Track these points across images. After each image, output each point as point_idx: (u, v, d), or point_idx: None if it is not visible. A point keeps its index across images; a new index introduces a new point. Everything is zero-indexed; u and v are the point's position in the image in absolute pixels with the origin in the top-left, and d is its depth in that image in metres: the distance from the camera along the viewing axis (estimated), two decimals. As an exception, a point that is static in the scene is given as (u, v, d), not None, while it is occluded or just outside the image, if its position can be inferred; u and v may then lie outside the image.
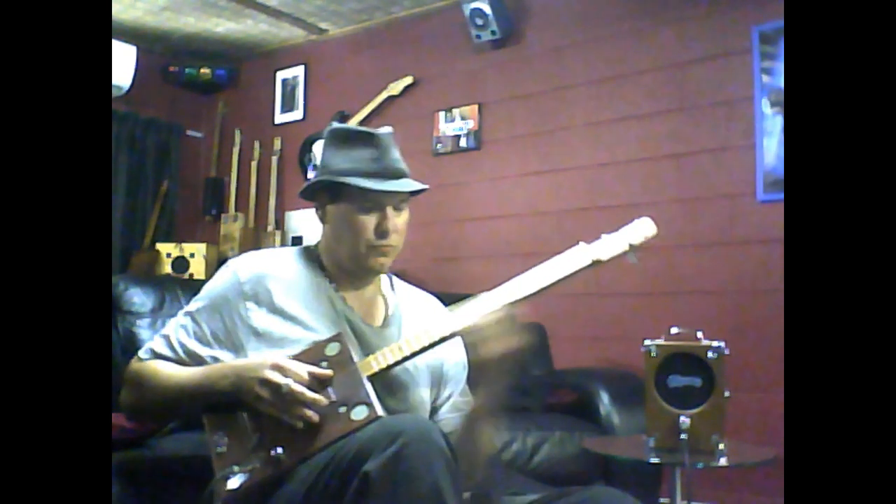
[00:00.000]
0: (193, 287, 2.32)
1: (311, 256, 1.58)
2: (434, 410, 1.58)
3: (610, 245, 1.47)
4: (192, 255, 4.61)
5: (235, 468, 1.32)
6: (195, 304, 1.53)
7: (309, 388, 1.33)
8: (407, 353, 1.42)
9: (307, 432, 1.32)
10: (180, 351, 1.49)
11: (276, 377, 1.33)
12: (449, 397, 1.60)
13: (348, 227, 1.49)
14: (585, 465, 2.63)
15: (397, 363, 1.43)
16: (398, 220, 1.51)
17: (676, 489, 2.14)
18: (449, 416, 1.57)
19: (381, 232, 1.48)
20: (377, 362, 1.42)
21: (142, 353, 1.53)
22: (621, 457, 2.26)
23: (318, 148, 4.70)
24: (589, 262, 1.45)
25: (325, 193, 1.54)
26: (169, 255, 4.62)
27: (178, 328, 1.52)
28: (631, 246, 1.48)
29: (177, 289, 2.35)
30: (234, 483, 1.31)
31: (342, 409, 1.32)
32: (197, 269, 4.58)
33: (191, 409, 1.48)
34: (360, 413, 1.31)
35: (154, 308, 2.24)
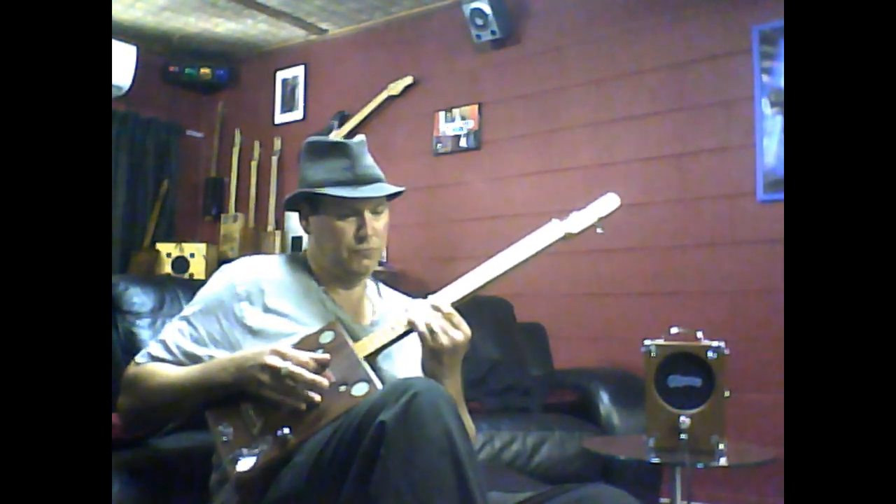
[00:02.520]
0: (193, 287, 2.31)
1: (300, 262, 1.65)
2: None
3: (579, 219, 1.56)
4: (192, 255, 4.61)
5: (244, 450, 1.34)
6: (190, 309, 1.57)
7: (309, 370, 1.36)
8: (400, 332, 1.48)
9: (311, 413, 1.35)
10: (178, 353, 1.52)
11: (276, 361, 1.36)
12: None
13: (329, 235, 1.57)
14: (585, 465, 2.63)
15: (391, 342, 1.49)
16: (377, 224, 1.58)
17: (676, 489, 2.14)
18: None
19: (361, 237, 1.56)
20: (372, 343, 1.48)
21: (138, 358, 1.56)
22: (621, 457, 2.25)
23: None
24: (561, 234, 1.54)
25: (306, 205, 1.61)
26: (169, 255, 4.62)
27: (174, 332, 1.55)
28: (599, 218, 1.56)
29: (177, 289, 2.35)
30: (244, 465, 1.32)
31: (343, 388, 1.36)
32: (197, 269, 4.58)
33: (191, 406, 1.49)
34: (360, 389, 1.35)
35: (154, 308, 2.24)
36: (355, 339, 1.52)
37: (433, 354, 1.44)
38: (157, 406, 1.52)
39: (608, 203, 1.58)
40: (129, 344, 2.11)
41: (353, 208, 1.55)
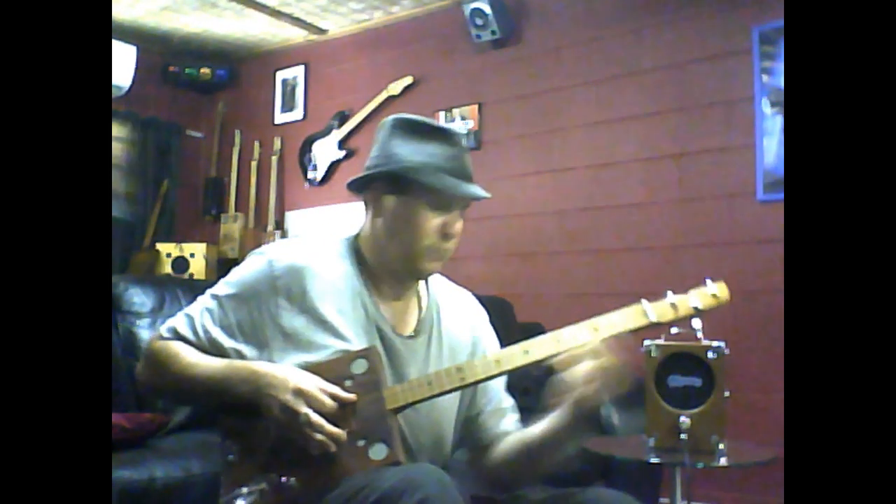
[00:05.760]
0: (193, 287, 2.32)
1: (351, 250, 1.49)
2: (473, 418, 1.54)
3: (672, 306, 1.40)
4: (192, 255, 4.61)
5: (244, 490, 1.29)
6: (224, 289, 1.44)
7: (330, 418, 1.27)
8: (436, 391, 1.35)
9: (322, 462, 1.27)
10: (203, 337, 1.42)
11: (297, 405, 1.27)
12: (488, 404, 1.56)
13: (410, 225, 1.40)
14: (585, 465, 2.63)
15: (423, 400, 1.35)
16: (460, 227, 1.45)
17: (676, 489, 2.14)
18: (491, 423, 1.55)
19: (447, 234, 1.41)
20: (403, 395, 1.34)
21: (164, 331, 1.45)
22: (621, 457, 2.25)
23: (318, 147, 4.70)
24: (646, 323, 1.40)
25: (383, 183, 1.43)
26: (169, 255, 4.63)
27: (203, 311, 1.44)
28: (696, 310, 1.40)
29: (177, 289, 2.36)
30: None
31: (361, 443, 1.28)
32: (197, 269, 4.58)
33: (206, 403, 1.45)
34: (379, 452, 1.26)
35: (154, 308, 2.25)
36: (393, 353, 1.43)
37: (575, 403, 1.32)
38: (173, 392, 1.48)
39: (711, 290, 1.42)
40: (129, 344, 2.12)
41: (447, 202, 1.40)
